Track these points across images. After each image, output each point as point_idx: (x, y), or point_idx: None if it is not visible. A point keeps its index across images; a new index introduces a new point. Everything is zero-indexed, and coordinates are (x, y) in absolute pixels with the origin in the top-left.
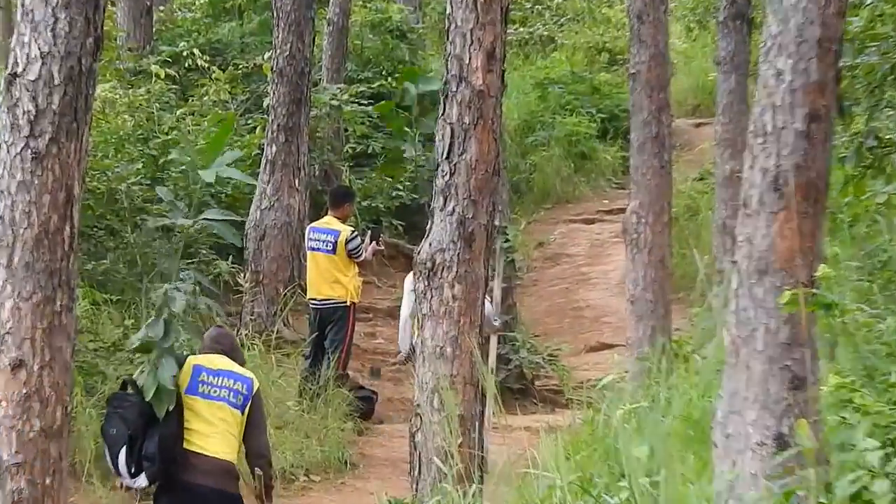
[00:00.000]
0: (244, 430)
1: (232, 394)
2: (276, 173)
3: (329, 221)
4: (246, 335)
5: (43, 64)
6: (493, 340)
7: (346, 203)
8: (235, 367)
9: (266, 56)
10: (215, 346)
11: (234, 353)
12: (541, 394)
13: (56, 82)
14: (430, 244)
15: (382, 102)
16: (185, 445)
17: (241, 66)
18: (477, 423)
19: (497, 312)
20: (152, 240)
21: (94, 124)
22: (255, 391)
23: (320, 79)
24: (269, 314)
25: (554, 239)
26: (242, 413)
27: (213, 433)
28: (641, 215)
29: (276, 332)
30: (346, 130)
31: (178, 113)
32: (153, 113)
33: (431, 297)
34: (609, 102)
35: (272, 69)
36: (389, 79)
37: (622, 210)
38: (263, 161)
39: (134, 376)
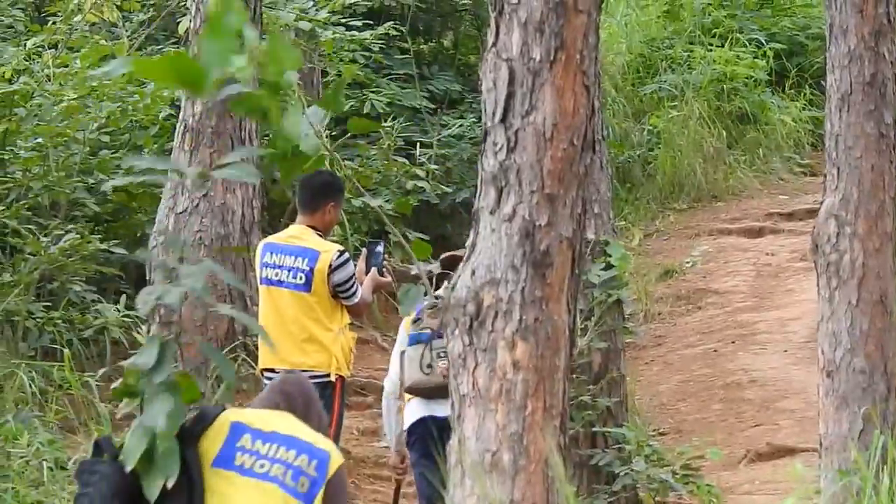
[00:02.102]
0: None
1: (290, 473)
2: (202, 150)
3: (299, 235)
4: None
5: None
6: None
7: (329, 202)
8: (304, 434)
9: None
10: (276, 399)
11: (308, 414)
12: None
13: None
14: (474, 272)
15: (387, 24)
16: None
17: None
18: None
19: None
20: None
21: None
22: (331, 472)
23: None
24: None
25: (693, 264)
26: None
27: None
28: (845, 221)
29: None
30: (325, 75)
31: (28, 45)
32: None
33: (475, 365)
34: (789, 23)
35: None
36: None
37: (812, 213)
38: (179, 128)
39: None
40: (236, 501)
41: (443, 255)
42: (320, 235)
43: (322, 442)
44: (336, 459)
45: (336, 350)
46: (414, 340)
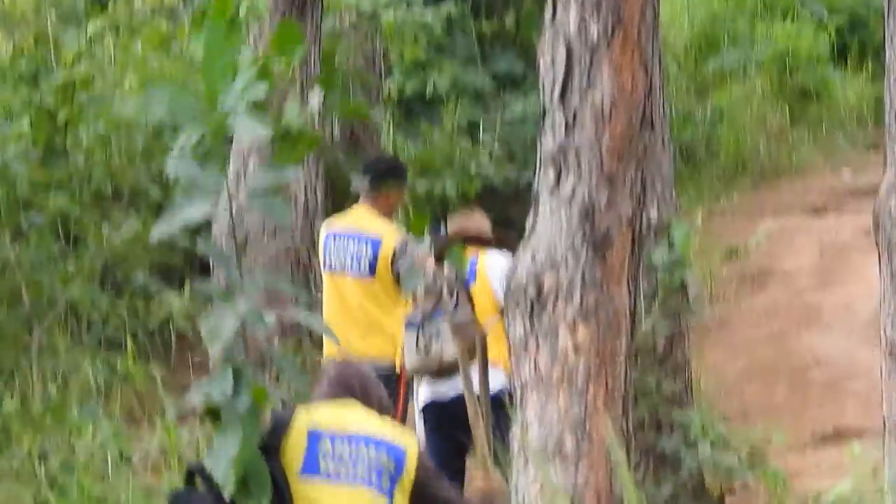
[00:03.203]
0: None
1: (374, 472)
2: None
3: (362, 219)
4: None
5: None
6: None
7: (392, 185)
8: (377, 428)
9: None
10: (337, 390)
11: (368, 397)
12: None
13: None
14: (534, 255)
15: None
16: None
17: None
18: None
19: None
20: (48, 257)
21: None
22: (410, 465)
23: None
24: None
25: (757, 244)
26: (391, 499)
27: None
28: None
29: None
30: (386, 55)
31: (90, 29)
32: (46, 30)
33: (536, 349)
34: None
35: None
36: None
37: (877, 189)
38: None
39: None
40: None
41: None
42: (384, 219)
43: (398, 435)
44: (413, 451)
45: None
46: (409, 324)
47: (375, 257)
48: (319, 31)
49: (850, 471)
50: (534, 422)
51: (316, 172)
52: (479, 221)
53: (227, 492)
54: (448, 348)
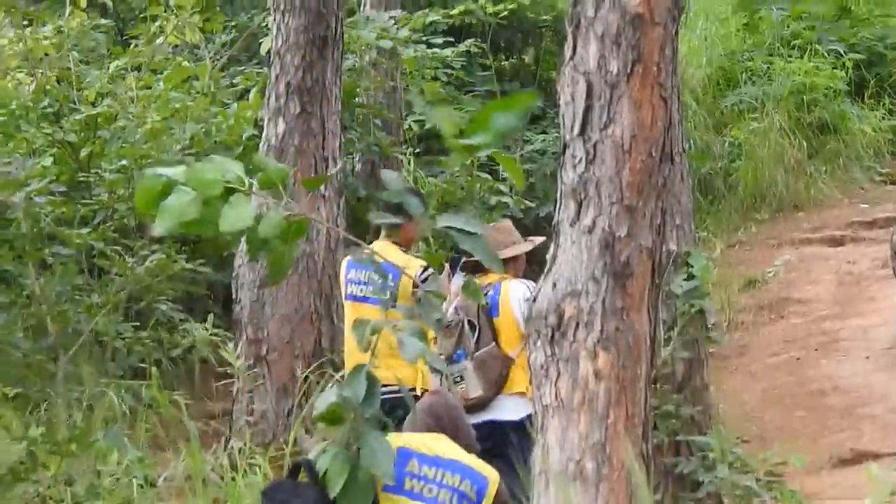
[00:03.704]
0: None
1: (455, 498)
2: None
3: (381, 251)
4: (241, 450)
5: None
6: None
7: (410, 218)
8: (463, 457)
9: None
10: (427, 422)
11: (458, 434)
12: None
13: None
14: (555, 284)
15: (468, 42)
16: None
17: None
18: None
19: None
20: (73, 289)
21: None
22: (489, 496)
23: (360, 2)
24: (280, 413)
25: (775, 274)
26: None
27: None
28: None
29: (293, 444)
30: (406, 90)
31: (112, 68)
32: (69, 69)
33: (557, 375)
34: (867, 34)
35: None
36: (480, 0)
37: (892, 220)
38: (263, 147)
39: (312, 455)
40: None
41: (463, 261)
42: (403, 251)
43: (481, 466)
44: (494, 483)
45: (423, 365)
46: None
47: (396, 286)
48: (340, 68)
49: (868, 492)
50: (555, 446)
51: (338, 205)
52: (507, 231)
53: (334, 490)
54: (472, 390)
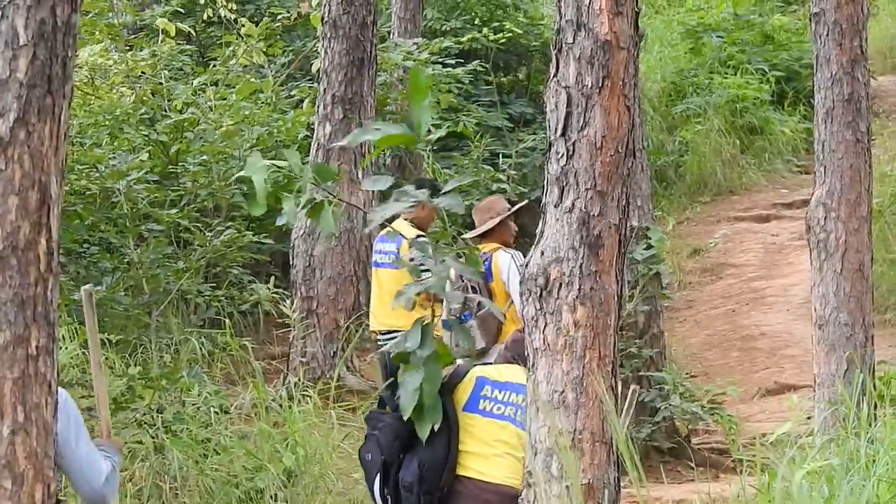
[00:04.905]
0: None
1: (520, 412)
2: (332, 162)
3: (398, 226)
4: (296, 384)
5: (2, 17)
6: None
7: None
8: (525, 380)
9: (314, 2)
10: (508, 356)
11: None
12: (699, 454)
13: (22, 41)
14: (542, 253)
15: (475, 62)
16: (460, 471)
17: (279, 17)
18: (610, 495)
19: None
20: (163, 257)
21: (80, 100)
22: None
23: (389, 32)
24: (327, 355)
25: (715, 244)
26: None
27: (492, 455)
28: (831, 207)
29: (337, 379)
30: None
31: (195, 83)
32: (161, 84)
33: (545, 324)
34: (786, 55)
35: (323, 20)
36: (485, 30)
37: (807, 202)
38: (314, 146)
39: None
40: (479, 436)
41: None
42: (416, 227)
43: None
44: None
45: (425, 314)
46: (444, 322)
47: (398, 250)
48: (374, 83)
49: (789, 417)
50: (543, 380)
51: (371, 191)
52: (496, 203)
53: (406, 414)
54: (477, 342)
